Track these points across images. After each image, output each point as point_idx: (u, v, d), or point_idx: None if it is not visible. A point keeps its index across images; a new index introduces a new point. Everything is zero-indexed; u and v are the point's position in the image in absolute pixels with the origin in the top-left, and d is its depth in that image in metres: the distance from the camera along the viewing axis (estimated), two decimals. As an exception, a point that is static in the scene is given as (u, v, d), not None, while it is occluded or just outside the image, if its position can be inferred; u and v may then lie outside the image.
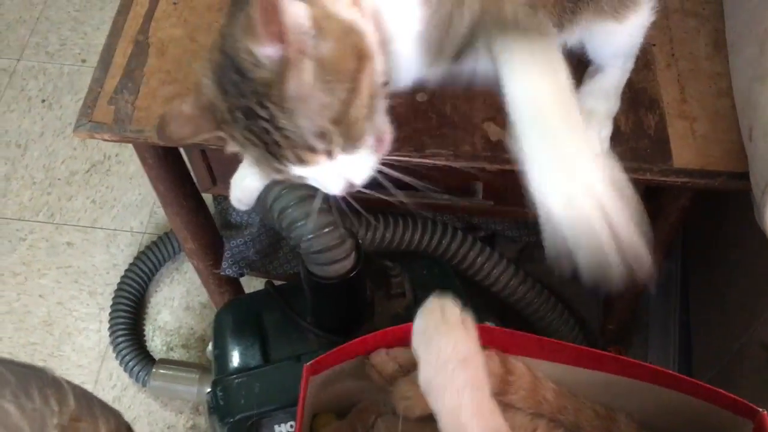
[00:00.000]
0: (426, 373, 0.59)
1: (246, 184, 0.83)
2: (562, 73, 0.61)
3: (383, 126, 0.67)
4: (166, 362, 1.45)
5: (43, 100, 1.85)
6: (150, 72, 0.88)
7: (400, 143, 0.83)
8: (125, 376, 1.48)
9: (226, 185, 1.01)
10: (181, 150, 0.96)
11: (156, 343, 1.54)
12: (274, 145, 0.61)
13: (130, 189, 1.72)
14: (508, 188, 0.95)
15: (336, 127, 0.60)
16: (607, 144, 0.82)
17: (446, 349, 0.60)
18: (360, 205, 1.02)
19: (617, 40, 0.79)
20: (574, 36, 0.77)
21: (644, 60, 0.88)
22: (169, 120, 0.66)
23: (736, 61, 0.82)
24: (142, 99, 0.86)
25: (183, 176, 1.00)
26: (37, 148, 1.78)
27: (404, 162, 0.83)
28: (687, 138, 0.83)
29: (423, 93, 0.87)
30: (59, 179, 1.74)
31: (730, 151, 0.81)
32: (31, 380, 0.52)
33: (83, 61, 1.91)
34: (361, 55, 0.60)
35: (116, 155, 1.76)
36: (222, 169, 0.98)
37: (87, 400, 0.56)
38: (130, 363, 1.46)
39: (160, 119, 0.66)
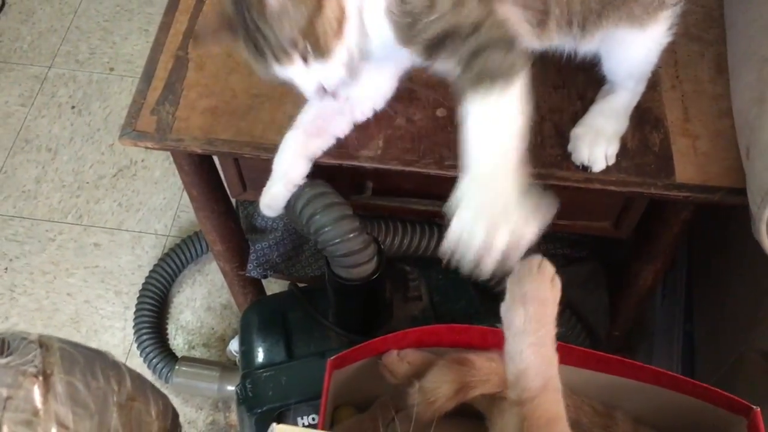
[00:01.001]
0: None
1: (274, 192, 0.90)
2: (515, 134, 0.71)
3: (359, 64, 0.75)
4: (188, 360, 1.51)
5: (73, 107, 1.93)
6: (189, 85, 0.94)
7: (421, 155, 0.89)
8: (148, 372, 1.54)
9: (256, 191, 1.07)
10: (215, 158, 1.03)
11: (178, 341, 1.61)
12: (260, 48, 0.72)
13: (155, 193, 1.79)
14: (521, 199, 1.01)
15: (304, 38, 0.71)
16: (612, 161, 0.88)
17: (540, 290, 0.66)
18: (382, 213, 1.08)
19: (635, 52, 0.84)
20: (592, 44, 0.82)
21: (651, 81, 0.94)
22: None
23: (736, 84, 0.88)
24: (181, 110, 0.92)
25: (215, 182, 1.06)
26: (66, 152, 1.85)
27: (425, 172, 0.89)
28: (689, 155, 0.88)
29: (443, 108, 0.93)
30: (87, 183, 1.81)
31: (729, 168, 0.87)
32: (96, 362, 0.58)
33: (111, 69, 1.98)
34: None
35: (142, 160, 1.83)
36: (252, 176, 1.05)
37: (141, 382, 0.62)
38: (154, 360, 1.52)
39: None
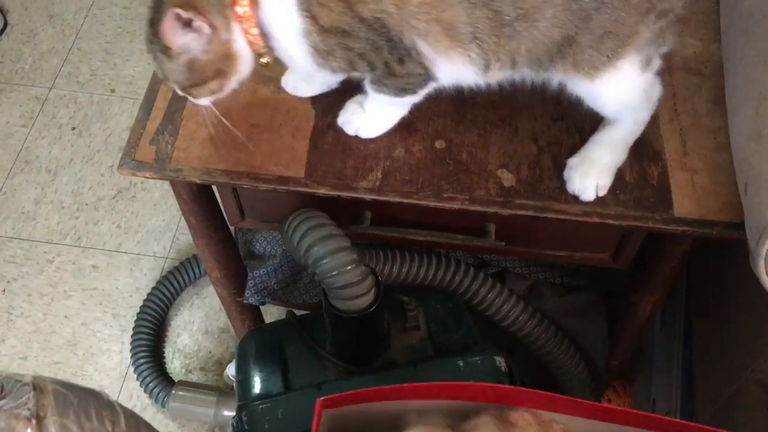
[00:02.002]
0: None
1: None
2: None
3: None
4: (185, 384, 1.50)
5: (73, 128, 1.93)
6: (188, 115, 0.95)
7: (419, 187, 0.90)
8: (145, 396, 1.54)
9: (255, 220, 1.08)
10: (214, 187, 1.03)
11: (175, 365, 1.60)
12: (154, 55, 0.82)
13: (154, 215, 1.79)
14: (520, 230, 1.01)
15: (181, 89, 0.84)
16: (603, 192, 0.88)
17: None
18: (380, 242, 1.08)
19: (599, 100, 0.84)
20: (554, 80, 0.83)
21: (649, 114, 0.94)
22: None
23: (734, 119, 0.88)
24: (181, 140, 0.93)
25: (214, 211, 1.06)
26: (66, 173, 1.85)
27: (424, 204, 0.89)
28: (687, 189, 0.88)
29: (441, 140, 0.93)
30: (87, 204, 1.81)
31: (727, 203, 0.87)
32: (90, 402, 0.57)
33: (112, 91, 1.99)
34: (220, 73, 0.81)
35: (141, 182, 1.83)
36: (251, 204, 1.05)
37: (135, 421, 0.62)
38: (150, 384, 1.51)
39: None
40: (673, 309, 1.37)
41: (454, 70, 0.79)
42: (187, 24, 0.75)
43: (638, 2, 0.74)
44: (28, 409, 0.52)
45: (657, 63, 0.83)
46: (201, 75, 0.80)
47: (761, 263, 0.78)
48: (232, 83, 0.83)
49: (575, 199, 0.88)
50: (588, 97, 0.83)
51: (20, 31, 2.12)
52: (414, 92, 0.85)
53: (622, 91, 0.82)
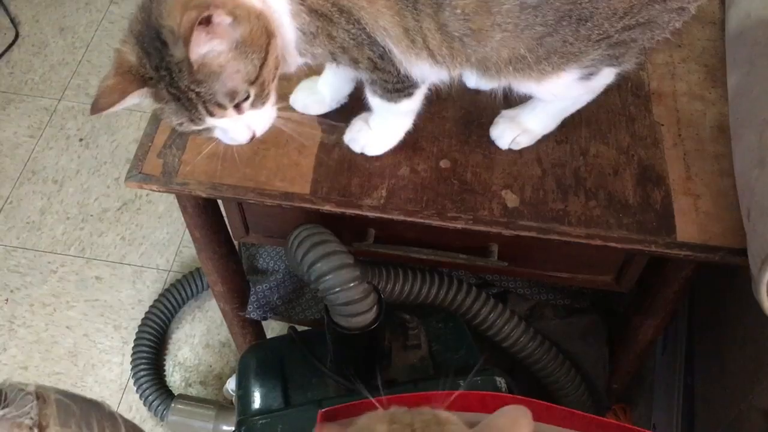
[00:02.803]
0: None
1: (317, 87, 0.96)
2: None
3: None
4: (185, 398, 1.50)
5: (81, 140, 1.95)
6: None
7: (423, 206, 0.90)
8: (144, 409, 1.54)
9: (259, 234, 1.08)
10: (219, 201, 1.03)
11: (175, 378, 1.60)
12: (189, 101, 0.73)
13: (159, 228, 1.80)
14: (522, 251, 1.01)
15: (250, 85, 0.74)
16: (518, 147, 0.94)
17: None
18: (383, 260, 1.09)
19: (541, 96, 0.87)
20: (502, 83, 0.86)
21: (653, 138, 0.95)
22: (98, 97, 0.74)
23: (737, 146, 0.89)
24: (188, 154, 0.93)
25: (219, 225, 1.07)
26: (72, 184, 1.87)
27: (428, 223, 0.90)
28: (690, 214, 0.89)
29: (446, 160, 0.94)
30: (92, 215, 1.82)
31: (730, 229, 0.87)
32: (92, 413, 0.58)
33: (121, 103, 2.00)
34: (268, 33, 0.73)
35: (146, 195, 1.84)
36: (255, 219, 1.05)
37: (136, 433, 0.62)
38: (150, 397, 1.51)
39: (93, 101, 0.74)
40: (675, 334, 1.37)
41: (420, 70, 0.80)
42: (208, 23, 0.68)
43: (588, 33, 0.76)
44: (31, 418, 0.52)
45: (606, 72, 0.85)
46: (256, 51, 0.72)
47: (763, 290, 0.78)
48: (284, 48, 0.77)
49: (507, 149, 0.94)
50: (530, 92, 0.87)
51: (31, 42, 2.15)
52: (407, 94, 0.85)
53: (560, 92, 0.85)
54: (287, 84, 0.98)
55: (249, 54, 0.72)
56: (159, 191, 0.92)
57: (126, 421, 0.63)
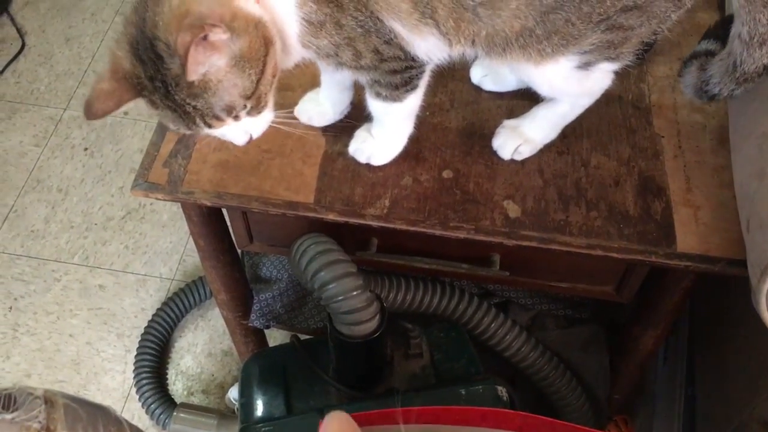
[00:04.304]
0: None
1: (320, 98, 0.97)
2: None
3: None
4: (187, 407, 1.50)
5: (86, 149, 1.96)
6: (202, 139, 0.96)
7: (426, 216, 0.91)
8: (146, 417, 1.54)
9: (263, 243, 1.09)
10: (224, 210, 1.04)
11: (177, 386, 1.60)
12: (186, 113, 0.73)
13: (162, 237, 1.81)
14: (524, 261, 1.02)
15: (247, 99, 0.73)
16: (520, 157, 0.95)
17: None
18: (386, 269, 1.09)
19: (537, 83, 0.88)
20: (504, 65, 0.86)
21: (653, 150, 0.96)
22: (93, 100, 0.73)
23: (737, 158, 0.90)
24: (193, 163, 0.95)
25: (223, 233, 1.08)
26: (77, 193, 1.88)
27: (431, 232, 0.91)
28: (690, 225, 0.90)
29: (449, 170, 0.95)
30: (96, 224, 1.83)
31: (730, 240, 0.88)
32: (98, 417, 0.58)
33: (125, 113, 2.02)
34: (266, 41, 0.72)
35: (150, 204, 1.86)
36: (260, 228, 1.06)
37: (141, 438, 0.63)
38: (152, 405, 1.52)
39: (85, 104, 0.73)
40: (676, 345, 1.37)
41: (427, 46, 0.80)
42: (205, 39, 0.66)
43: (590, 11, 0.77)
44: (39, 422, 0.53)
45: (603, 67, 0.86)
46: (254, 65, 0.72)
47: (762, 300, 0.78)
48: (282, 49, 0.76)
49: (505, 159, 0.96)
50: (527, 78, 0.88)
51: (37, 52, 2.16)
52: (413, 86, 0.85)
53: (556, 80, 0.86)
54: (291, 94, 1.00)
55: (246, 69, 0.71)
56: (165, 200, 0.93)
57: (132, 426, 0.63)
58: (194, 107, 0.72)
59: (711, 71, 0.86)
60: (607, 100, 0.98)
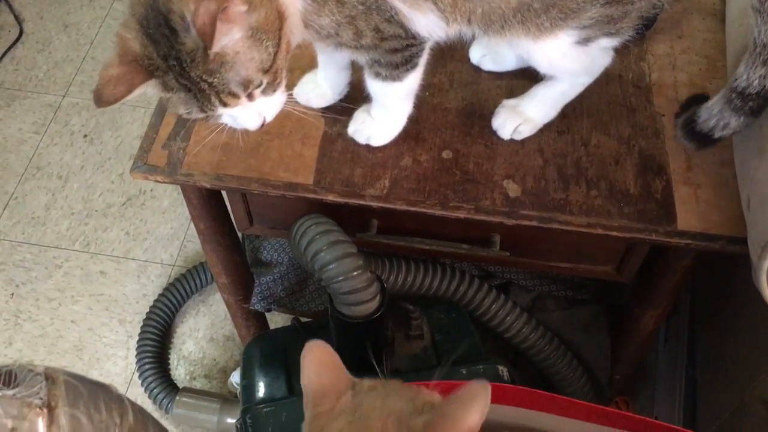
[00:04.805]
0: None
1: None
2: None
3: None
4: (189, 391, 1.51)
5: (85, 135, 1.96)
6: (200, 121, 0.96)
7: (426, 196, 0.91)
8: (149, 402, 1.54)
9: (263, 226, 1.09)
10: (223, 192, 1.04)
11: (180, 372, 1.61)
12: (201, 92, 0.71)
13: (163, 223, 1.81)
14: (524, 241, 1.02)
15: (264, 74, 0.72)
16: (519, 137, 0.94)
17: None
18: (386, 251, 1.09)
19: (535, 60, 0.87)
20: (503, 42, 0.85)
21: (654, 129, 0.96)
22: (102, 87, 0.71)
23: (737, 136, 0.89)
24: (192, 146, 0.94)
25: (223, 216, 1.08)
26: (77, 180, 1.88)
27: (430, 213, 0.91)
28: (691, 203, 0.89)
29: (449, 150, 0.95)
30: (96, 211, 1.83)
31: (730, 218, 0.88)
32: (100, 395, 0.59)
33: (125, 99, 2.01)
34: (280, 15, 0.72)
35: (151, 190, 1.85)
36: (260, 211, 1.06)
37: (143, 416, 0.63)
38: (155, 390, 1.52)
39: (95, 91, 0.72)
40: (677, 326, 1.38)
41: (428, 22, 0.80)
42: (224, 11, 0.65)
43: None
44: (40, 398, 0.53)
45: (603, 43, 0.85)
46: (271, 37, 0.71)
47: (763, 278, 0.78)
48: (293, 26, 0.75)
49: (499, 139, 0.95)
50: (527, 54, 0.87)
51: (35, 39, 2.16)
52: (413, 65, 0.84)
53: (556, 56, 0.85)
54: (290, 76, 0.99)
55: (264, 41, 0.70)
56: (164, 182, 0.93)
57: (133, 404, 0.63)
58: (210, 84, 0.70)
59: (707, 111, 0.82)
60: (607, 79, 0.97)
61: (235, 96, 0.73)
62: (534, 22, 0.79)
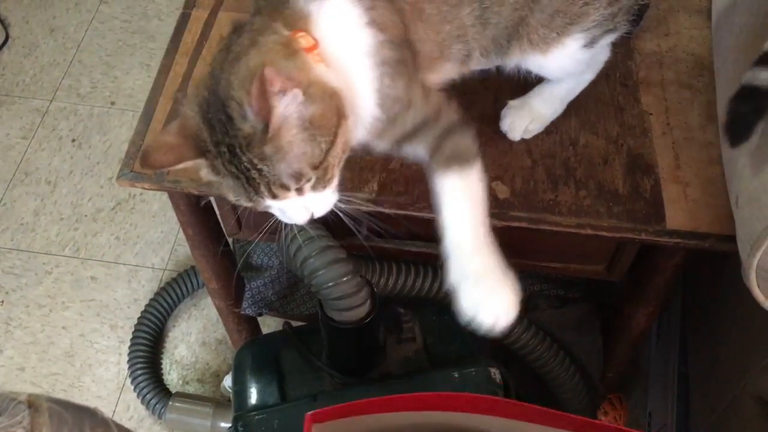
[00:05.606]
0: None
1: None
2: (479, 204, 0.80)
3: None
4: (182, 396, 1.50)
5: (73, 140, 1.95)
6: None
7: (415, 199, 0.90)
8: (142, 408, 1.54)
9: (252, 231, 1.08)
10: (212, 198, 1.04)
11: (172, 376, 1.60)
12: (251, 180, 0.70)
13: (153, 227, 1.80)
14: (514, 242, 1.01)
15: (314, 170, 0.71)
16: (529, 135, 0.95)
17: None
18: (376, 253, 1.09)
19: (547, 70, 0.89)
20: (512, 62, 0.87)
21: (642, 127, 0.96)
22: (153, 150, 0.72)
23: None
24: (179, 152, 0.93)
25: (212, 222, 1.07)
26: (65, 185, 1.86)
27: (419, 216, 0.90)
28: (680, 201, 0.89)
29: (437, 153, 0.94)
30: (86, 216, 1.82)
31: (719, 215, 0.88)
32: (85, 420, 0.58)
33: (112, 103, 2.01)
34: (339, 114, 0.71)
35: (140, 194, 1.84)
36: (247, 215, 1.05)
37: (129, 436, 0.62)
38: (148, 395, 1.51)
39: (144, 150, 0.72)
40: (669, 323, 1.38)
41: (439, 78, 0.82)
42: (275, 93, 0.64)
43: None
44: (23, 427, 0.52)
45: (606, 40, 0.87)
46: (325, 134, 0.70)
47: (752, 275, 0.78)
48: (355, 123, 0.74)
49: (506, 137, 0.96)
50: (538, 68, 0.88)
51: (21, 44, 2.14)
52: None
53: (567, 63, 0.86)
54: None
55: (317, 136, 0.69)
56: (151, 189, 0.93)
57: (120, 427, 0.63)
58: (261, 172, 0.69)
59: None
60: (594, 78, 0.97)
61: (285, 188, 0.71)
62: (540, 34, 0.81)
